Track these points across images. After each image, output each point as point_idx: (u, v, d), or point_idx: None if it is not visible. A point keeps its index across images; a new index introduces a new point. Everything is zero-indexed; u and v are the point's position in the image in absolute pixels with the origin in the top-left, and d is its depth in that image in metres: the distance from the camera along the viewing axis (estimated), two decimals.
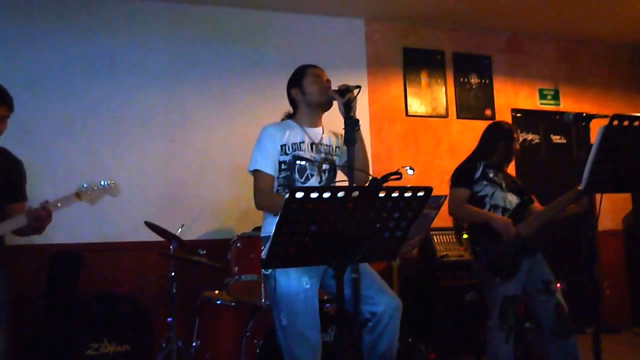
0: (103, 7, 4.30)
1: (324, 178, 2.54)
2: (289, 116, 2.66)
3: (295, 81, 2.60)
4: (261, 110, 4.34)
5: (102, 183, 2.72)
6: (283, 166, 2.50)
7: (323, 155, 2.55)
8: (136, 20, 4.36)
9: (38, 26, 4.14)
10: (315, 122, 2.61)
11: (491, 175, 3.10)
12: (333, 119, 2.60)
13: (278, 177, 2.51)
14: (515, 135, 3.21)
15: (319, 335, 2.32)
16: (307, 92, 2.56)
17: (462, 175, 3.15)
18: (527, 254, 2.96)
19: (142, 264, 4.09)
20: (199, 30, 4.51)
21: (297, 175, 2.48)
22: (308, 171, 2.49)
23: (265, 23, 4.67)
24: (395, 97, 5.02)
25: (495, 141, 3.19)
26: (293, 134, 2.53)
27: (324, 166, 2.54)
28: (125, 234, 4.09)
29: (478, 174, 3.10)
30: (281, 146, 2.50)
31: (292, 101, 2.64)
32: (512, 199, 3.06)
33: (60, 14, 4.19)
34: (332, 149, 2.60)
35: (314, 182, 2.50)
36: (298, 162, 2.48)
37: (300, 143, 2.52)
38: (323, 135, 2.60)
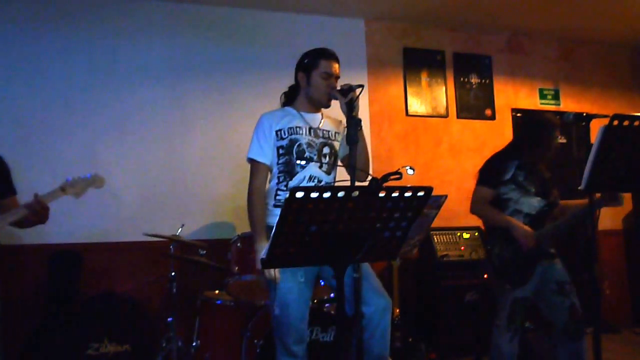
0: (103, 7, 4.30)
1: (324, 163, 2.52)
2: (289, 100, 2.64)
3: (306, 67, 2.57)
4: (261, 110, 4.29)
5: (86, 175, 2.76)
6: (281, 151, 2.50)
7: (322, 139, 2.54)
8: (136, 20, 4.36)
9: (38, 26, 4.14)
10: (314, 108, 2.61)
11: (521, 178, 2.96)
12: (336, 117, 2.60)
13: (277, 163, 2.52)
14: (557, 132, 3.02)
15: (306, 326, 2.45)
16: (312, 85, 2.54)
17: (491, 175, 3.02)
18: (542, 260, 2.91)
19: (142, 264, 4.09)
20: (199, 30, 4.51)
21: (295, 159, 2.47)
22: (307, 154, 2.48)
23: (265, 23, 4.67)
24: (396, 97, 5.02)
25: (539, 136, 2.99)
26: (290, 119, 2.54)
27: (324, 150, 2.53)
28: (125, 234, 4.09)
29: (508, 176, 2.97)
30: (276, 132, 2.51)
31: (296, 82, 2.62)
32: (537, 203, 2.96)
33: (60, 13, 4.19)
34: (332, 134, 2.59)
35: (314, 167, 2.49)
36: (295, 146, 2.48)
37: (297, 127, 2.52)
38: (322, 121, 2.60)
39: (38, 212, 2.55)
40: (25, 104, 4.07)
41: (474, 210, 3.07)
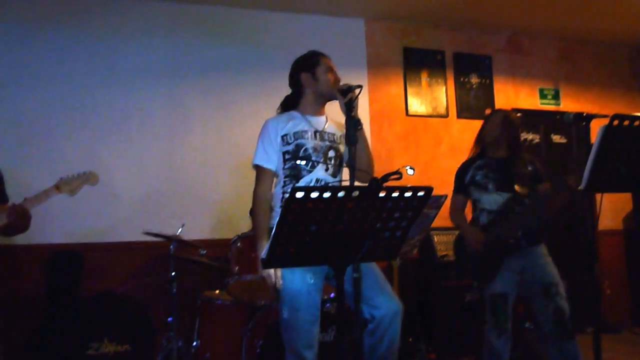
0: (103, 7, 4.30)
1: (330, 166, 2.51)
2: (290, 105, 2.63)
3: (308, 66, 2.56)
4: (261, 110, 4.31)
5: (80, 173, 2.74)
6: (287, 156, 2.49)
7: (327, 143, 2.53)
8: (136, 20, 4.36)
9: (38, 26, 4.14)
10: (319, 111, 2.60)
11: (478, 178, 3.10)
12: (336, 116, 2.60)
13: (284, 168, 2.50)
14: (495, 127, 3.12)
15: (317, 329, 2.38)
16: (320, 81, 2.53)
17: (456, 181, 3.23)
18: (508, 254, 2.95)
19: (142, 264, 4.09)
20: (199, 30, 4.51)
21: (302, 164, 2.46)
22: (313, 158, 2.48)
23: (265, 23, 4.67)
24: (396, 97, 5.02)
25: (479, 136, 3.23)
26: (295, 123, 2.52)
27: (330, 154, 2.52)
28: (125, 234, 4.08)
29: (467, 179, 3.14)
30: (282, 137, 2.50)
31: (298, 85, 2.60)
32: (499, 198, 3.04)
33: (60, 13, 4.19)
34: (337, 137, 2.58)
35: (319, 169, 2.48)
36: (301, 150, 2.47)
37: (302, 132, 2.50)
38: (326, 124, 2.59)
39: (17, 219, 2.52)
40: (25, 104, 4.07)
41: (450, 217, 3.30)
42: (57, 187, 2.67)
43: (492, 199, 3.04)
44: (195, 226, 4.14)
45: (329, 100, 2.57)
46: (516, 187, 3.03)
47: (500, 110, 3.29)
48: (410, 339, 3.90)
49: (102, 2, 4.31)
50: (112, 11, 4.32)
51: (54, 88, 4.13)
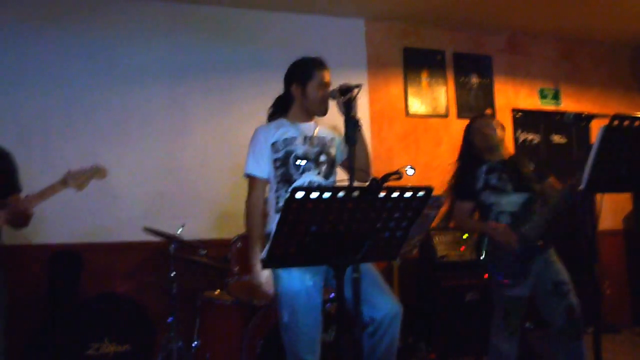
0: (103, 7, 4.30)
1: (322, 170, 2.51)
2: (281, 107, 2.62)
3: (299, 79, 2.53)
4: (261, 110, 4.28)
5: (88, 166, 2.65)
6: (277, 163, 2.49)
7: (318, 148, 2.52)
8: (136, 20, 4.36)
9: (38, 25, 4.14)
10: (308, 118, 2.58)
11: (494, 181, 3.00)
12: (335, 119, 2.60)
13: (275, 175, 2.50)
14: (485, 130, 3.07)
15: (319, 332, 2.34)
16: (308, 97, 2.51)
17: (462, 189, 3.11)
18: (537, 254, 2.91)
19: (142, 264, 4.09)
20: (199, 30, 4.51)
21: (293, 170, 2.46)
22: (304, 164, 2.47)
23: (265, 23, 4.67)
24: (396, 97, 5.02)
25: (470, 140, 3.12)
26: (284, 131, 2.52)
27: (321, 158, 2.51)
28: (125, 234, 4.09)
29: (480, 185, 3.03)
30: (272, 144, 2.50)
31: (289, 93, 2.59)
32: (518, 199, 2.98)
33: (60, 13, 4.20)
34: (327, 140, 2.56)
35: (312, 174, 2.47)
36: (291, 157, 2.47)
37: (292, 138, 2.50)
38: (317, 129, 2.57)
39: (16, 217, 2.50)
40: (25, 104, 4.07)
41: (457, 225, 3.22)
42: (64, 182, 2.57)
43: (512, 200, 2.97)
44: (195, 226, 4.14)
45: (317, 116, 2.56)
46: (534, 186, 3.00)
47: (483, 116, 3.23)
48: (410, 339, 3.90)
49: (102, 2, 4.31)
50: (112, 11, 4.32)
51: (54, 88, 4.13)
